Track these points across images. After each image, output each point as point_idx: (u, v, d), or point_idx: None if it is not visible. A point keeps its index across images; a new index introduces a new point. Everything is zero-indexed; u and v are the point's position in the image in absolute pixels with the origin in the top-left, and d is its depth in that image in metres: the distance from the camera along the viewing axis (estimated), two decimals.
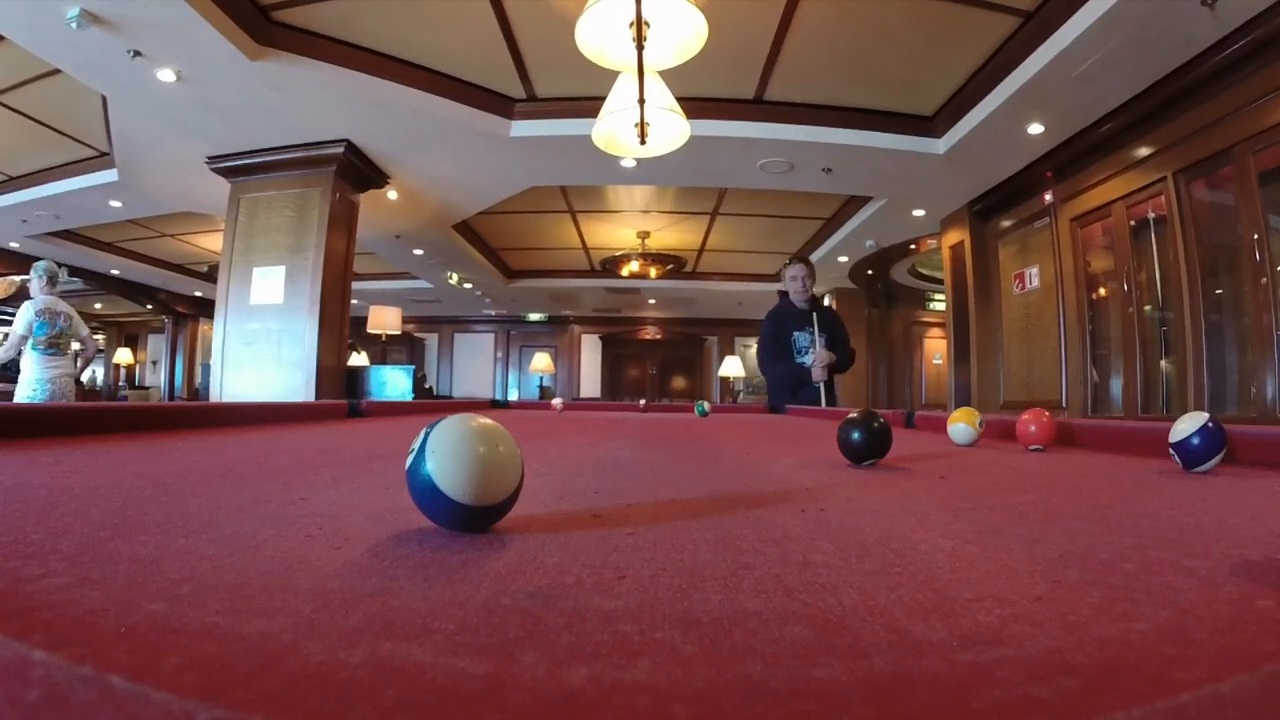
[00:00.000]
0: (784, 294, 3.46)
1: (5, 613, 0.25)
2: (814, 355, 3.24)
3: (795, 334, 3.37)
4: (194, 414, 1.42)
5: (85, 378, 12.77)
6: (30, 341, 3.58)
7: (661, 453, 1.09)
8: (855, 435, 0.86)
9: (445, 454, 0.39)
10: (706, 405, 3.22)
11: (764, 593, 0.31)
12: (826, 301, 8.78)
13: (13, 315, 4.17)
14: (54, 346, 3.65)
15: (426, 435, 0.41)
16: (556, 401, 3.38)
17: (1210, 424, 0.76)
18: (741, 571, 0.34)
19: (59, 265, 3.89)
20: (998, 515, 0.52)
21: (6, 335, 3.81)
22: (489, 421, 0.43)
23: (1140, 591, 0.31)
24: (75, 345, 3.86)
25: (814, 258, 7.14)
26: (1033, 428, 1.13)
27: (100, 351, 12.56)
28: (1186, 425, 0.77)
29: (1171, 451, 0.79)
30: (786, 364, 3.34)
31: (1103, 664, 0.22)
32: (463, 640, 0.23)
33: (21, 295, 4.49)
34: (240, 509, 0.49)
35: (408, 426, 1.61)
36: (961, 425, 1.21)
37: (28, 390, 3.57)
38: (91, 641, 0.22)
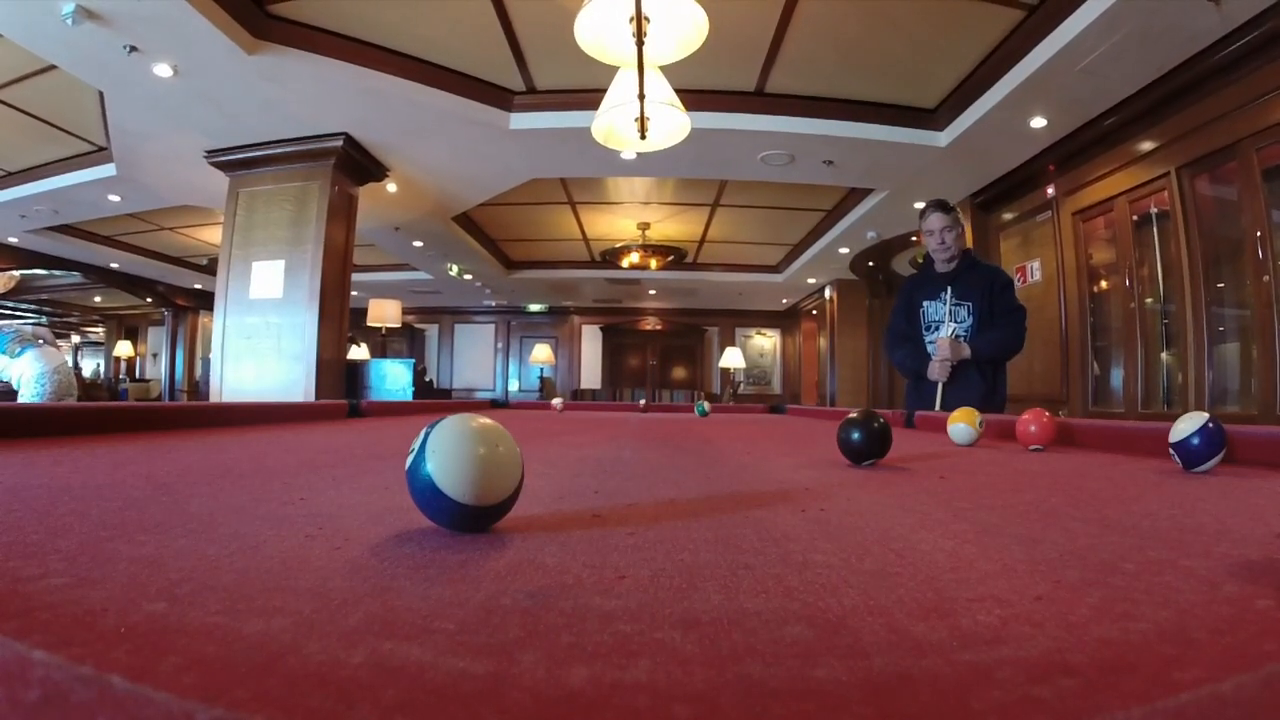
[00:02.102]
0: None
1: (5, 613, 0.25)
2: (939, 340, 2.31)
3: (925, 304, 2.43)
4: (194, 414, 1.42)
5: (88, 372, 12.77)
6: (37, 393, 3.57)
7: (661, 453, 1.09)
8: (855, 435, 0.86)
9: (445, 454, 0.39)
10: (707, 405, 3.22)
11: (764, 593, 0.31)
12: (827, 294, 8.75)
13: (11, 313, 4.15)
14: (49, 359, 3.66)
15: (426, 435, 0.41)
16: (556, 401, 3.38)
17: (1210, 424, 0.76)
18: (741, 571, 0.34)
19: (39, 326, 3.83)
20: (998, 515, 0.52)
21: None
22: (489, 421, 0.42)
23: (1140, 591, 0.31)
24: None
25: (815, 248, 7.12)
26: (1033, 428, 1.14)
27: (98, 344, 12.56)
28: (1186, 425, 0.77)
29: (1171, 451, 0.79)
30: (905, 348, 2.46)
31: (1103, 664, 0.22)
32: (463, 640, 0.23)
33: (19, 290, 4.48)
34: (240, 509, 0.49)
35: (407, 426, 1.61)
36: (961, 425, 1.21)
37: (34, 389, 3.56)
38: (91, 641, 0.22)
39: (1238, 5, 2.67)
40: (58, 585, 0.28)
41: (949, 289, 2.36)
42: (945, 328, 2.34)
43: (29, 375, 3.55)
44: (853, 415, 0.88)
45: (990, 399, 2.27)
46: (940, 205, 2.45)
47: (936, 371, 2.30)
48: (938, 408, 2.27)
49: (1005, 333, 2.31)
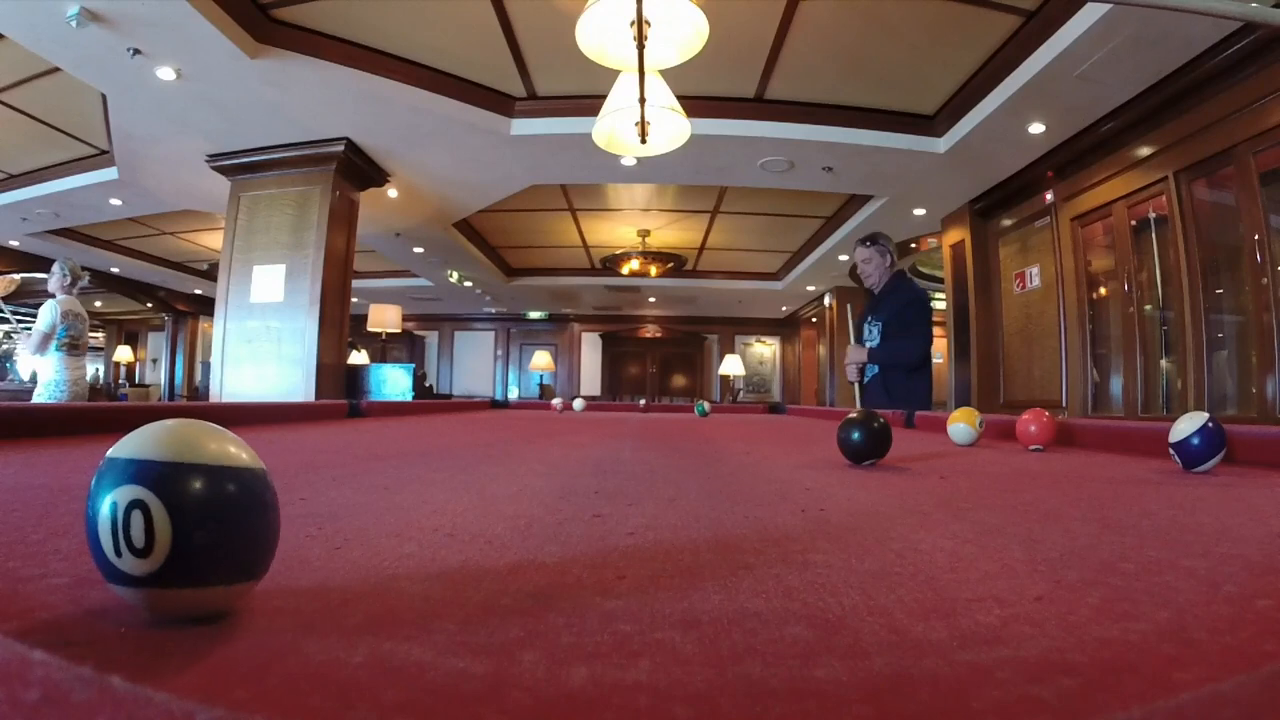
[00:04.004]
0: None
1: (5, 613, 0.25)
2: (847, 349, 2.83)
3: (864, 324, 2.96)
4: (193, 414, 1.42)
5: (88, 378, 12.78)
6: (55, 343, 3.56)
7: (662, 453, 1.09)
8: (855, 435, 0.86)
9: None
10: (707, 405, 3.22)
11: (764, 593, 0.31)
12: (827, 301, 8.76)
13: (9, 313, 4.21)
14: (75, 347, 3.64)
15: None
16: (556, 402, 3.38)
17: (1210, 424, 0.76)
18: (741, 571, 0.34)
19: (82, 269, 3.85)
20: (998, 515, 0.52)
21: (28, 331, 3.78)
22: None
23: (1140, 591, 0.30)
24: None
25: (814, 256, 7.13)
26: (1033, 428, 1.13)
27: (99, 349, 12.58)
28: (1186, 425, 0.77)
29: (1171, 451, 0.79)
30: None
31: (1103, 664, 0.22)
32: (463, 640, 0.23)
33: (19, 294, 4.53)
34: None
35: (408, 427, 1.61)
36: (961, 425, 1.21)
37: (52, 391, 3.55)
38: (91, 641, 0.22)
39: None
40: (58, 585, 0.28)
41: (875, 310, 2.90)
42: (868, 342, 2.83)
43: (68, 313, 3.56)
44: (853, 415, 0.88)
45: (898, 401, 2.66)
46: (863, 240, 2.96)
47: (850, 374, 2.78)
48: (857, 404, 2.69)
49: (896, 344, 2.77)
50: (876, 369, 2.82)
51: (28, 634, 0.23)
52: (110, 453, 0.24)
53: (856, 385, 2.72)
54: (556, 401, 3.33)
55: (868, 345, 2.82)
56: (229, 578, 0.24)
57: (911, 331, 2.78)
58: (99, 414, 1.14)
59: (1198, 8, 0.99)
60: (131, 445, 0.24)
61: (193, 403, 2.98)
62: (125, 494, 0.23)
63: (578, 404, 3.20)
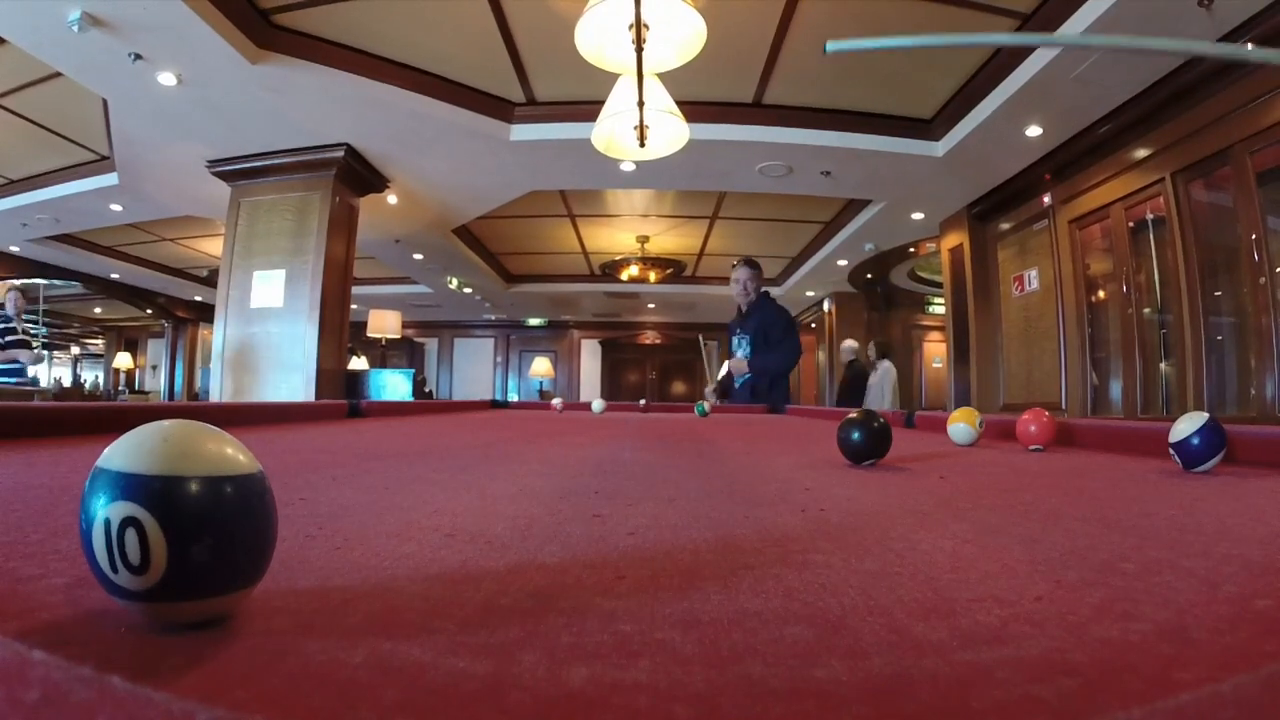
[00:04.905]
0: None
1: (5, 613, 0.25)
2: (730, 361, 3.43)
3: (733, 337, 3.56)
4: (192, 414, 1.42)
5: (89, 384, 12.79)
6: None
7: (662, 453, 1.08)
8: (855, 435, 0.86)
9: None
10: (707, 405, 3.20)
11: (764, 593, 0.31)
12: (826, 306, 8.79)
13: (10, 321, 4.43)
14: None
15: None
16: (557, 402, 3.36)
17: (1210, 424, 0.76)
18: (741, 571, 0.34)
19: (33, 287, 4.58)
20: (998, 515, 0.52)
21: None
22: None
23: (1140, 591, 0.30)
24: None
25: (813, 261, 7.14)
26: (1033, 428, 1.13)
27: (99, 356, 12.57)
28: (1186, 425, 0.77)
29: (1171, 451, 0.79)
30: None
31: (1103, 664, 0.22)
32: (463, 640, 0.23)
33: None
34: None
35: (407, 426, 1.61)
36: (961, 425, 1.21)
37: None
38: (91, 641, 0.22)
39: (1228, 10, 2.70)
40: (58, 585, 0.28)
41: (743, 325, 3.46)
42: (738, 353, 3.47)
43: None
44: (852, 415, 0.88)
45: (761, 400, 3.33)
46: (744, 262, 3.52)
47: (733, 369, 3.46)
48: (715, 401, 3.42)
49: (771, 356, 3.37)
50: (748, 376, 3.41)
51: (28, 634, 0.23)
52: (100, 462, 0.24)
53: (714, 393, 3.45)
54: (557, 402, 3.32)
55: (741, 357, 3.41)
56: (227, 587, 0.23)
57: (782, 346, 3.36)
58: (99, 414, 1.14)
59: (1150, 47, 0.99)
60: (123, 455, 0.23)
61: (191, 403, 2.97)
62: (118, 510, 0.22)
63: (596, 405, 3.13)
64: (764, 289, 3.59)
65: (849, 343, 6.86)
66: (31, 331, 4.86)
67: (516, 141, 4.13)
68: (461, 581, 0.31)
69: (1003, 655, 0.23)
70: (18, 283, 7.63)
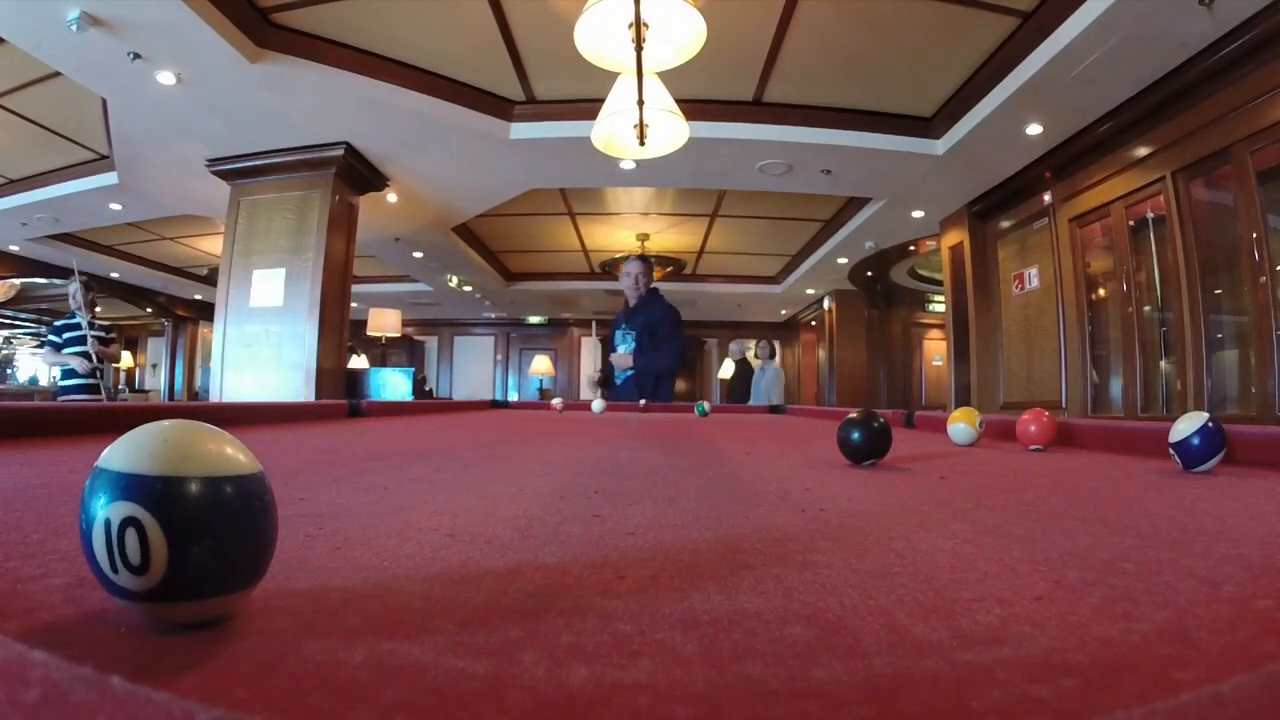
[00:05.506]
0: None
1: (5, 613, 0.25)
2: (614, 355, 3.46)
3: (617, 331, 3.59)
4: (193, 414, 1.42)
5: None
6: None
7: (661, 453, 1.08)
8: (855, 435, 0.86)
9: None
10: (706, 405, 3.20)
11: (764, 593, 0.31)
12: (826, 304, 8.79)
13: (10, 321, 4.23)
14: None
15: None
16: (557, 401, 3.36)
17: (1210, 424, 0.76)
18: (741, 571, 0.34)
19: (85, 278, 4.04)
20: (998, 515, 0.52)
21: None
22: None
23: (1140, 591, 0.30)
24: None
25: (813, 259, 7.14)
26: (1033, 428, 1.13)
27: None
28: (1186, 425, 0.77)
29: (1171, 451, 0.79)
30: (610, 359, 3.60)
31: (1103, 664, 0.22)
32: (463, 640, 0.23)
33: (19, 299, 4.49)
34: None
35: (407, 426, 1.61)
36: (961, 425, 1.21)
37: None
38: (91, 641, 0.22)
39: (1229, 9, 2.70)
40: (58, 585, 0.28)
41: (630, 319, 3.48)
42: (622, 347, 3.52)
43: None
44: (853, 415, 0.88)
45: (646, 397, 3.33)
46: (637, 257, 3.62)
47: (616, 364, 3.50)
48: (596, 391, 3.46)
49: (658, 354, 3.42)
50: (631, 371, 3.43)
51: (28, 634, 0.23)
52: (100, 462, 0.23)
53: (599, 386, 3.47)
54: (557, 401, 3.32)
55: (624, 351, 3.44)
56: (227, 588, 0.23)
57: (669, 344, 3.40)
58: (99, 414, 1.14)
59: None
60: (123, 455, 0.23)
61: (191, 403, 2.94)
62: (119, 510, 0.22)
63: (596, 405, 3.06)
64: (654, 286, 3.64)
65: (736, 344, 7.57)
66: (99, 333, 3.92)
67: (516, 140, 4.13)
68: (461, 581, 0.31)
69: (1003, 655, 0.23)
70: (17, 281, 7.61)
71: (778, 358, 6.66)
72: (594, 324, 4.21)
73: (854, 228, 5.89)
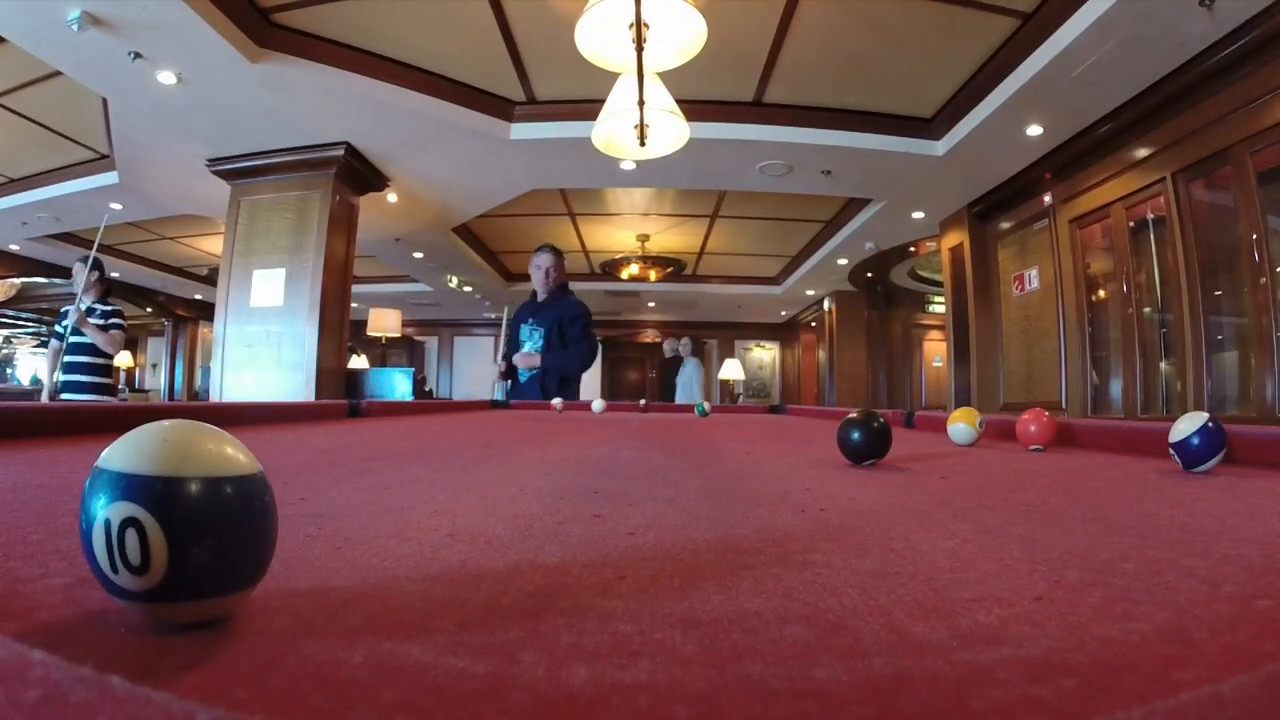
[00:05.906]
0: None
1: (5, 613, 0.25)
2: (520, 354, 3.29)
3: (523, 325, 3.35)
4: (193, 414, 1.42)
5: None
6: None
7: (662, 453, 1.08)
8: (855, 435, 0.86)
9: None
10: (707, 405, 3.20)
11: (764, 593, 0.31)
12: (826, 305, 8.79)
13: (11, 321, 4.04)
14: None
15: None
16: (557, 402, 3.36)
17: (1210, 424, 0.76)
18: (741, 571, 0.34)
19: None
20: (998, 515, 0.52)
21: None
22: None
23: (1140, 591, 0.30)
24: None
25: (813, 260, 7.16)
26: (1033, 428, 1.13)
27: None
28: (1186, 425, 0.77)
29: (1171, 451, 0.79)
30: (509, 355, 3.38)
31: (1103, 664, 0.22)
32: (463, 640, 0.23)
33: (19, 298, 4.43)
34: None
35: (408, 426, 1.61)
36: (961, 425, 1.21)
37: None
38: (91, 641, 0.22)
39: (1229, 10, 2.70)
40: (58, 585, 0.28)
41: (537, 314, 3.26)
42: (527, 344, 3.27)
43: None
44: (853, 415, 0.88)
45: (550, 397, 3.13)
46: (548, 248, 3.33)
47: (521, 363, 3.28)
48: (501, 395, 3.34)
49: (568, 353, 3.23)
50: (537, 370, 3.26)
51: (28, 634, 0.23)
52: (100, 462, 0.23)
53: (502, 380, 3.35)
54: (557, 402, 3.32)
55: (530, 350, 3.26)
56: (227, 588, 0.23)
57: (579, 345, 3.23)
58: (99, 414, 1.14)
59: None
60: (123, 455, 0.23)
61: (191, 403, 2.86)
62: (119, 510, 0.22)
63: (597, 405, 3.02)
64: (565, 281, 3.40)
65: (669, 342, 8.13)
66: (98, 321, 3.35)
67: (516, 140, 4.13)
68: (461, 581, 0.31)
69: (1003, 655, 0.23)
70: (17, 281, 7.60)
71: (698, 355, 7.19)
72: (506, 309, 3.79)
73: (854, 229, 5.89)
